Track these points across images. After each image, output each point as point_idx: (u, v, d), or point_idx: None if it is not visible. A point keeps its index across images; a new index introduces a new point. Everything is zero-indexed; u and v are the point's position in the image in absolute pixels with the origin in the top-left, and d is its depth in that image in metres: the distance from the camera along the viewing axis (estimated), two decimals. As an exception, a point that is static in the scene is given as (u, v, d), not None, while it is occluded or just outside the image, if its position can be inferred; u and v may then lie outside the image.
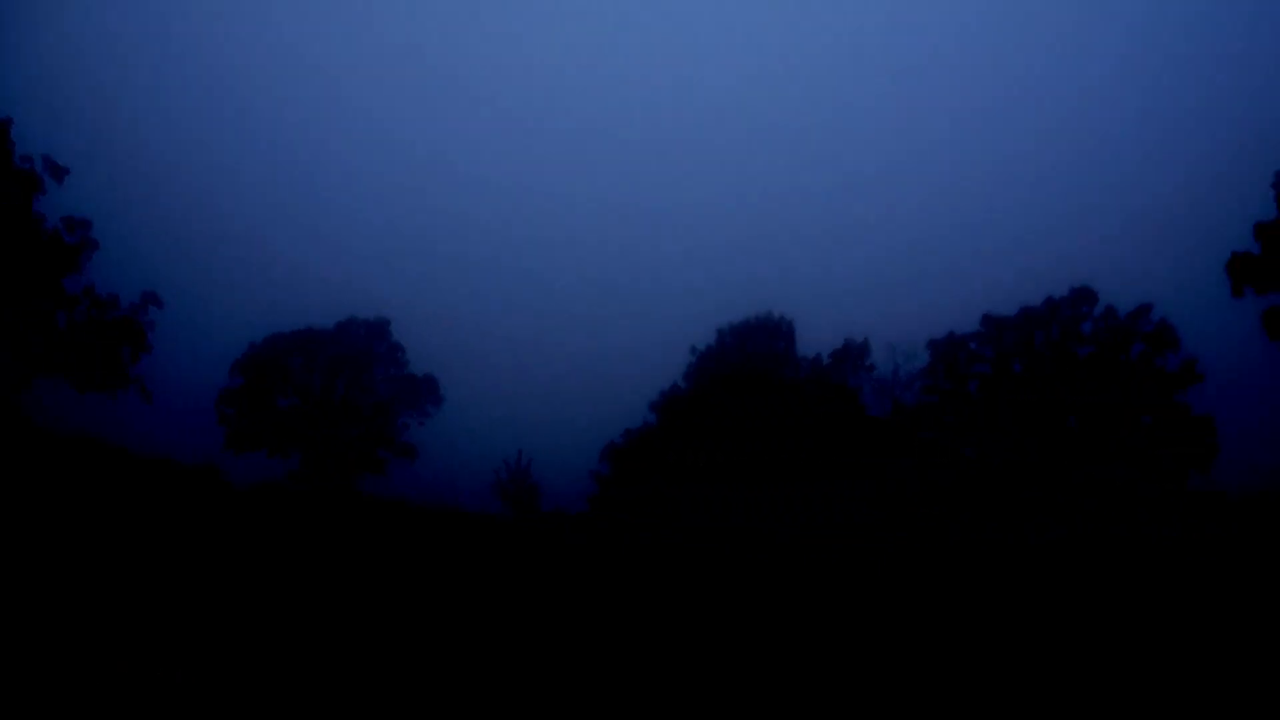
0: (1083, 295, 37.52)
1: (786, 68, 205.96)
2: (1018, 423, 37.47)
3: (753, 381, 38.51)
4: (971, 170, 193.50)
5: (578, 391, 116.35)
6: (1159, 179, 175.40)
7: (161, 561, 9.75)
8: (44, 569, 8.79)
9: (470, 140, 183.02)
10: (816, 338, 38.69)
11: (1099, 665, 9.09)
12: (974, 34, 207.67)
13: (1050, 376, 37.47)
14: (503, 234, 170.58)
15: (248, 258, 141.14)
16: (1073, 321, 37.56)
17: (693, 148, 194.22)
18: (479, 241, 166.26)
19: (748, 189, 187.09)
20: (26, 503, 10.45)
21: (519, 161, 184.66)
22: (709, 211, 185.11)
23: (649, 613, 10.79)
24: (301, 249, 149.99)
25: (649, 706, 7.63)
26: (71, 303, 32.60)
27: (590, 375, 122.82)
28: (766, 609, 11.53)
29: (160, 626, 7.94)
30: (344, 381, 39.50)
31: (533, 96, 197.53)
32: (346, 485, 39.12)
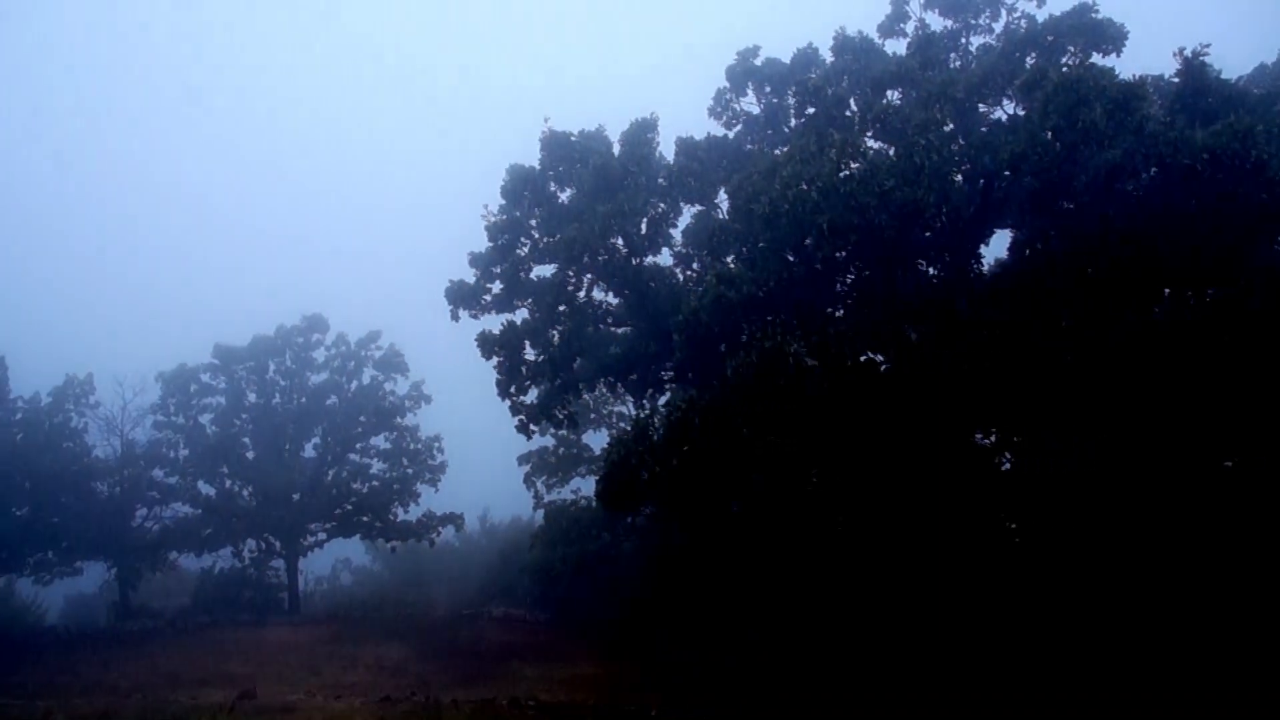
0: (314, 322, 37.88)
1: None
2: (256, 450, 37.39)
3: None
4: (194, 202, 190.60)
5: None
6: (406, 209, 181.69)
7: None
8: None
9: None
10: (35, 375, 36.14)
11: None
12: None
13: (285, 404, 37.63)
14: None
15: None
16: (305, 349, 37.84)
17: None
18: None
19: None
20: None
21: None
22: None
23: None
24: None
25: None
26: None
27: None
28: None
29: None
30: None
31: None
32: None
